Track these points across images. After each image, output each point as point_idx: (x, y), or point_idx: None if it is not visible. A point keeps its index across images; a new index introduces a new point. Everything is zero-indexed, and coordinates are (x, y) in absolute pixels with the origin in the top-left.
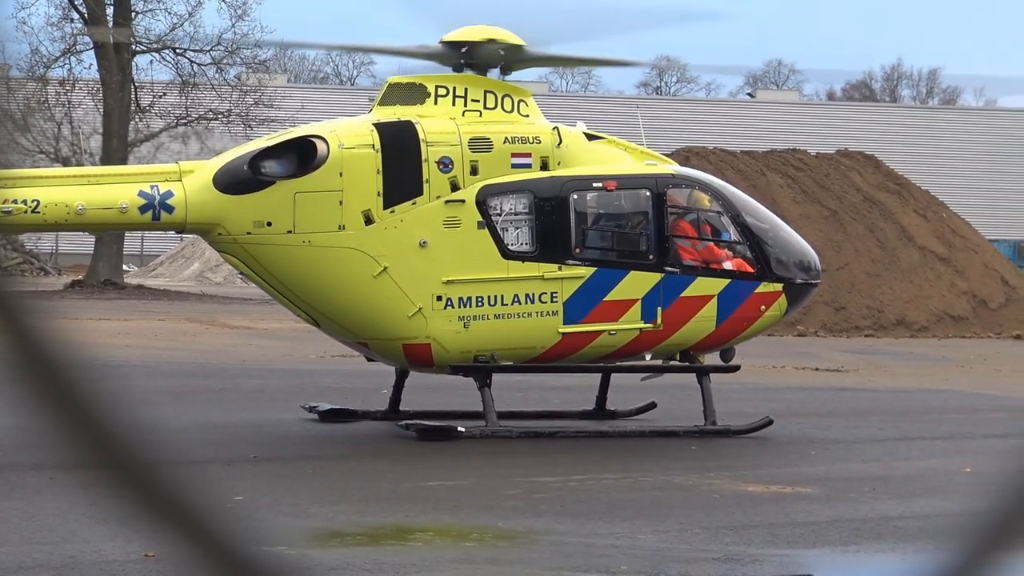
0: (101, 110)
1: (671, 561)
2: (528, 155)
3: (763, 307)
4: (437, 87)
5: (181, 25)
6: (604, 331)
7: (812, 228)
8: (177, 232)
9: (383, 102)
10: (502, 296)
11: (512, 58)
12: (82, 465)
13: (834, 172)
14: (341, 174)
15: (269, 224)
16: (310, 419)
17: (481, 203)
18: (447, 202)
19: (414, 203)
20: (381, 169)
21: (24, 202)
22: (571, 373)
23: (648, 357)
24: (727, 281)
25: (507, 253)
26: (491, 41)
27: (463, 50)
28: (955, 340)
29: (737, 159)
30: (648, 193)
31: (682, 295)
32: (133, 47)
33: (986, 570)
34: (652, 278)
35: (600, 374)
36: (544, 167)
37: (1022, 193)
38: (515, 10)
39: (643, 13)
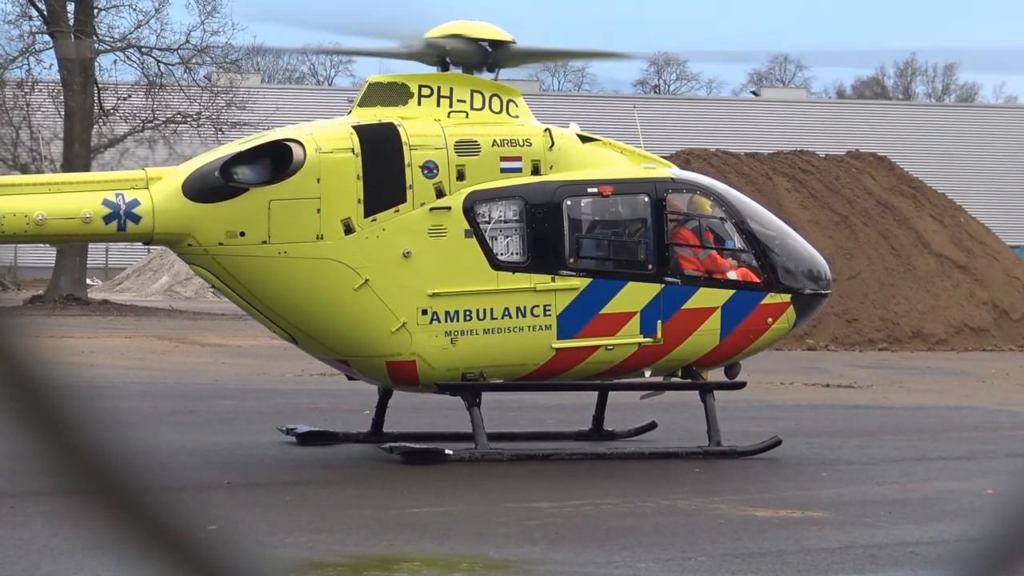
0: (62, 113)
1: None
2: (518, 159)
3: (770, 319)
4: (420, 87)
5: (147, 22)
6: (601, 346)
7: (822, 235)
8: (144, 243)
9: (363, 103)
10: (491, 309)
11: (500, 55)
12: (43, 493)
13: (844, 175)
14: (319, 180)
15: (242, 234)
16: (288, 442)
17: (468, 210)
18: (432, 209)
19: (397, 211)
20: (361, 175)
21: None
22: (566, 391)
23: (648, 374)
24: (731, 292)
25: (496, 263)
26: (477, 37)
27: (447, 47)
28: (975, 353)
29: (741, 161)
30: (646, 199)
31: (683, 307)
32: (96, 46)
33: None
34: (651, 289)
35: (597, 392)
36: (535, 171)
37: None
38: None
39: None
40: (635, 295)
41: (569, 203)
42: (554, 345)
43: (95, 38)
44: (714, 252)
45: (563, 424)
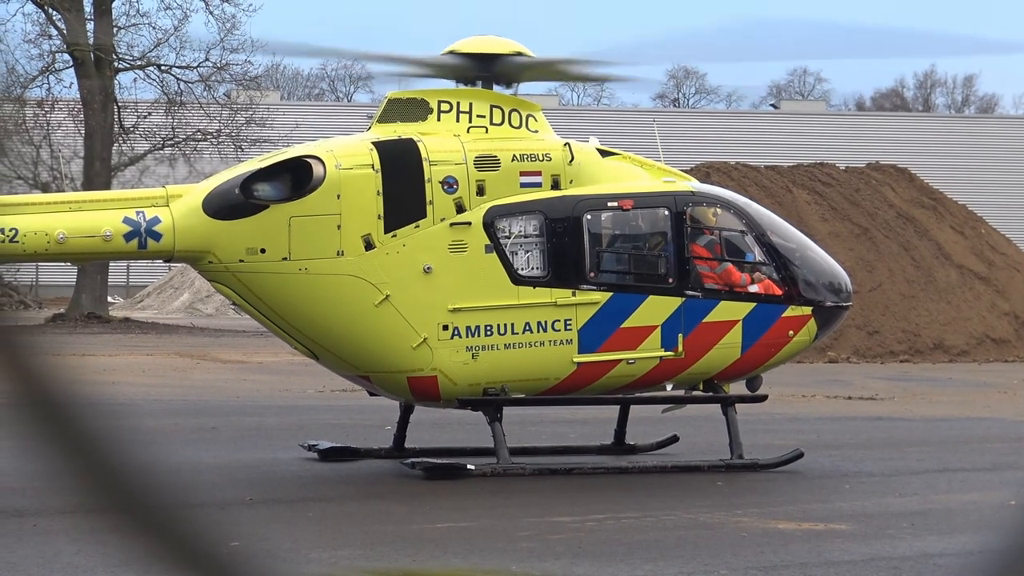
0: (82, 132)
1: None
2: (538, 173)
3: (791, 332)
4: (440, 102)
5: (166, 40)
6: (622, 360)
7: (842, 247)
8: (165, 261)
9: (382, 119)
10: (512, 324)
11: (520, 70)
12: (66, 511)
13: (865, 187)
14: (339, 196)
15: (263, 251)
16: (309, 458)
17: (489, 225)
18: (452, 225)
19: (417, 226)
20: (381, 191)
21: (1, 231)
22: (587, 405)
23: (669, 387)
24: (752, 305)
25: (517, 278)
26: (497, 52)
27: (467, 62)
28: (997, 364)
29: (761, 174)
30: (667, 212)
31: (704, 320)
32: (115, 64)
33: None
34: (672, 303)
35: (618, 406)
36: (555, 186)
37: None
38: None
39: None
40: (656, 309)
41: (589, 217)
42: (575, 359)
43: (114, 56)
44: (734, 265)
45: (585, 438)
